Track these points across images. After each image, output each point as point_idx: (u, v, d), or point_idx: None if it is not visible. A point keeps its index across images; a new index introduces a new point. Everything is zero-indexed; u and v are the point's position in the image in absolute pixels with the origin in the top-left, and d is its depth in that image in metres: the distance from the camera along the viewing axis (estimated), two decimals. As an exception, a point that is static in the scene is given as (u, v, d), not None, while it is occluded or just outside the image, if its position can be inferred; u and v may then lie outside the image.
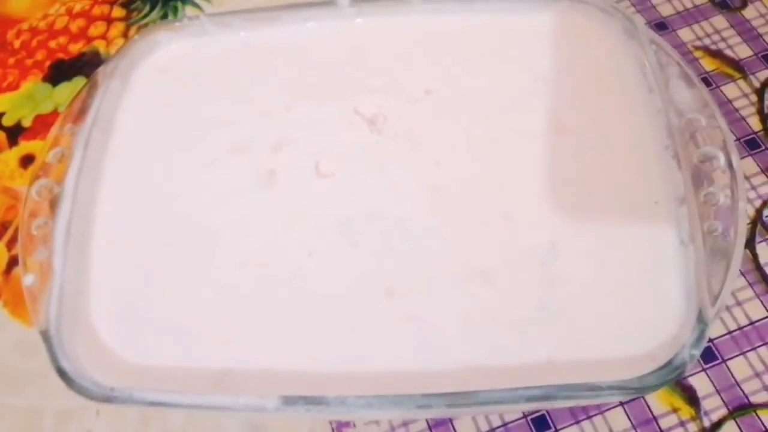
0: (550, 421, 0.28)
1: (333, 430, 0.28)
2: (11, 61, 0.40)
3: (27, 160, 0.36)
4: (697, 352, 0.22)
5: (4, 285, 0.33)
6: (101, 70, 0.30)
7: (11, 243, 0.34)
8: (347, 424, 0.29)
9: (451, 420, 0.28)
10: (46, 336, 0.24)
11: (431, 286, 0.25)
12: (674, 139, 0.26)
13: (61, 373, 0.23)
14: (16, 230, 0.34)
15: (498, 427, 0.28)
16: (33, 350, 0.31)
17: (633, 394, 0.22)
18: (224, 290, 0.26)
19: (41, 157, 0.28)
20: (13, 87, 0.39)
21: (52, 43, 0.40)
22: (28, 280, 0.25)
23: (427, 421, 0.28)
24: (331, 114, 0.29)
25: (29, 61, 0.39)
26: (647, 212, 0.25)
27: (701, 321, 0.22)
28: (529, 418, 0.28)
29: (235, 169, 0.28)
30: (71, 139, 0.28)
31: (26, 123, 0.37)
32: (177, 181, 0.28)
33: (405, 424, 0.28)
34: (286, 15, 0.31)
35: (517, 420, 0.28)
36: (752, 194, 0.31)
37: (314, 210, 0.27)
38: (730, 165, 0.25)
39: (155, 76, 0.31)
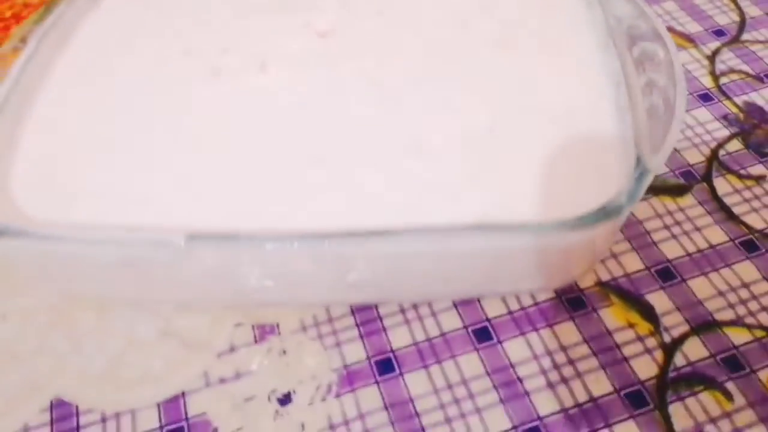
0: (492, 332, 0.25)
1: (255, 336, 0.26)
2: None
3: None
4: (635, 195, 0.20)
5: (-62, 200, 0.32)
6: (70, -11, 0.31)
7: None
8: (272, 330, 0.26)
9: (385, 329, 0.25)
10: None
11: (360, 158, 0.24)
12: (613, 38, 0.26)
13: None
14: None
15: (436, 337, 0.25)
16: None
17: (566, 230, 0.20)
18: (152, 163, 0.25)
19: (-2, 46, 0.29)
20: (-5, 44, 0.40)
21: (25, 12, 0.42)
22: (-50, 134, 0.25)
23: (356, 322, 0.26)
24: (283, 25, 0.29)
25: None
26: (586, 96, 0.25)
27: (640, 163, 0.21)
28: (470, 328, 0.25)
29: (181, 68, 0.28)
30: (29, 33, 0.29)
31: None
32: (123, 76, 0.28)
33: (331, 321, 0.26)
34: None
35: (456, 330, 0.25)
36: (707, 137, 0.31)
37: (254, 98, 0.27)
38: (668, 58, 0.25)
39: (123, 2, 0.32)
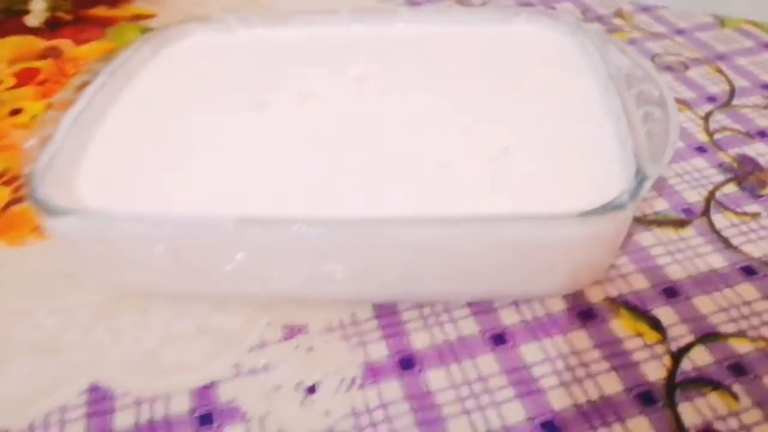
0: (507, 336, 0.27)
1: (285, 335, 0.27)
2: (63, 80, 0.47)
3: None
4: (636, 195, 0.23)
5: (-2, 216, 0.35)
6: (137, 41, 0.36)
7: (16, 189, 0.37)
8: (300, 330, 0.27)
9: (406, 332, 0.27)
10: (30, 177, 0.26)
11: (388, 170, 0.27)
12: (614, 81, 0.30)
13: (34, 199, 0.25)
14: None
15: (454, 340, 0.27)
16: (3, 264, 0.32)
17: (573, 223, 0.22)
18: (203, 171, 0.28)
19: (72, 81, 0.33)
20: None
21: (102, 72, 0.47)
22: (29, 143, 0.28)
23: (379, 324, 0.27)
24: (323, 72, 0.34)
25: (78, 81, 0.46)
26: (590, 126, 0.28)
27: (640, 172, 0.24)
28: (487, 334, 0.27)
29: (231, 101, 0.32)
30: (99, 70, 0.33)
31: (61, 117, 0.43)
32: (180, 106, 0.32)
33: (356, 323, 0.27)
34: (295, 18, 0.38)
35: (473, 335, 0.27)
36: (705, 181, 0.34)
37: (295, 125, 0.30)
38: (662, 96, 0.28)
39: (182, 51, 0.37)
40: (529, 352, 0.26)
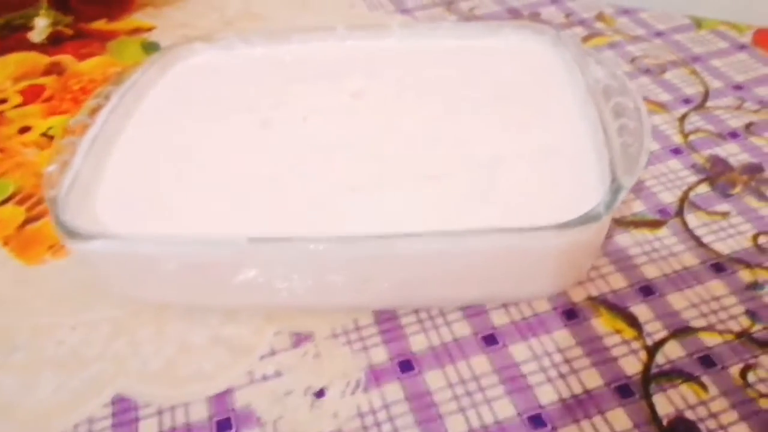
0: (498, 337, 0.29)
1: (293, 342, 0.30)
2: (68, 96, 0.48)
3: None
4: (612, 205, 0.25)
5: (15, 235, 0.37)
6: (144, 62, 0.38)
7: (30, 208, 0.39)
8: (307, 337, 0.30)
9: (405, 336, 0.29)
10: (53, 201, 0.28)
11: (387, 184, 0.29)
12: (592, 94, 0.32)
13: (59, 223, 0.27)
14: (38, 200, 0.39)
15: (449, 342, 0.29)
16: (24, 282, 0.34)
17: (556, 233, 0.25)
18: (214, 191, 0.30)
19: (85, 104, 0.34)
20: (65, 112, 0.47)
21: (104, 88, 0.49)
22: (49, 168, 0.30)
23: (380, 330, 0.30)
24: (322, 89, 0.36)
25: (83, 97, 0.48)
26: (571, 137, 0.30)
27: (615, 183, 0.26)
28: (479, 335, 0.29)
29: (236, 120, 0.34)
30: (111, 93, 0.35)
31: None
32: (189, 126, 0.34)
33: (358, 329, 0.30)
34: (295, 35, 0.40)
35: (467, 337, 0.29)
36: (679, 182, 0.36)
37: (299, 141, 0.32)
38: (636, 107, 0.30)
39: (188, 69, 0.39)
40: (518, 351, 0.28)
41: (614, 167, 0.27)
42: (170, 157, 0.32)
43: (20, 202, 0.39)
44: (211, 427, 0.27)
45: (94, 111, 0.34)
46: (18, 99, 0.49)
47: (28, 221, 0.38)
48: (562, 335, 0.29)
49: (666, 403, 0.26)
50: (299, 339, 0.30)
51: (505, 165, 0.30)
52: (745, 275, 0.31)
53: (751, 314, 0.29)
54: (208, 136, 0.33)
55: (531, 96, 0.34)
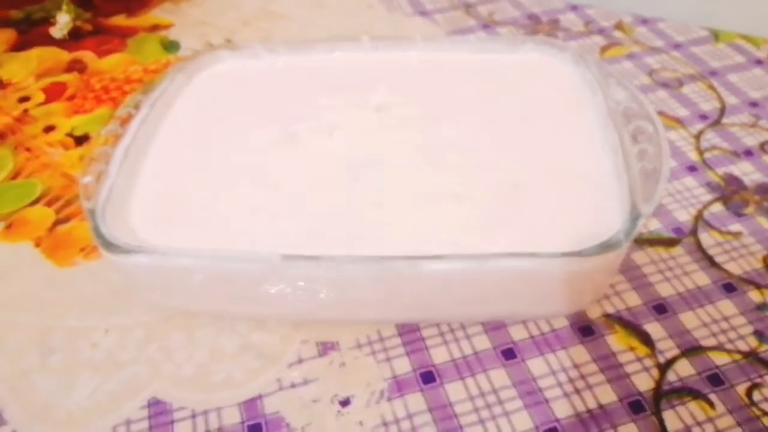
0: (516, 351, 0.30)
1: (319, 351, 0.31)
2: (90, 95, 0.49)
3: (88, 156, 0.43)
4: (631, 233, 0.26)
5: (47, 237, 0.38)
6: (171, 69, 0.39)
7: (60, 209, 0.40)
8: (333, 347, 0.31)
9: (427, 348, 0.31)
10: (92, 213, 0.29)
11: (412, 203, 0.30)
12: (612, 117, 0.33)
13: (99, 236, 0.28)
14: (67, 201, 0.41)
15: (470, 355, 0.30)
16: (57, 284, 0.35)
17: (576, 257, 0.26)
18: (244, 204, 0.31)
19: (115, 112, 0.35)
20: (88, 111, 0.48)
21: (126, 87, 0.50)
22: (86, 179, 0.31)
23: (402, 341, 0.31)
24: (346, 101, 0.36)
25: (105, 96, 0.49)
26: (591, 161, 0.31)
27: (635, 208, 0.27)
28: (498, 349, 0.30)
29: (265, 132, 0.35)
30: (140, 103, 0.36)
31: (93, 134, 0.45)
32: (217, 136, 0.35)
33: (382, 340, 0.31)
34: (319, 45, 0.40)
35: (486, 350, 0.30)
36: (694, 201, 0.37)
37: (326, 157, 0.33)
38: (656, 131, 0.31)
39: (214, 78, 0.39)
40: (536, 365, 0.30)
41: (633, 193, 0.28)
42: (200, 168, 0.33)
43: (49, 204, 0.40)
44: (243, 431, 0.28)
45: (125, 121, 0.35)
46: (41, 97, 0.49)
47: (58, 222, 0.39)
48: (578, 351, 0.30)
49: (675, 419, 0.28)
50: (325, 348, 0.31)
51: (526, 188, 0.31)
52: (755, 296, 0.32)
53: (759, 334, 0.30)
54: (236, 148, 0.34)
55: (553, 117, 0.35)
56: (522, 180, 0.31)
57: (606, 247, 0.26)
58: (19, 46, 0.55)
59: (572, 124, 0.34)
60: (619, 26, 0.52)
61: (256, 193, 0.32)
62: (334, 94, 0.37)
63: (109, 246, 0.28)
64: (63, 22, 0.54)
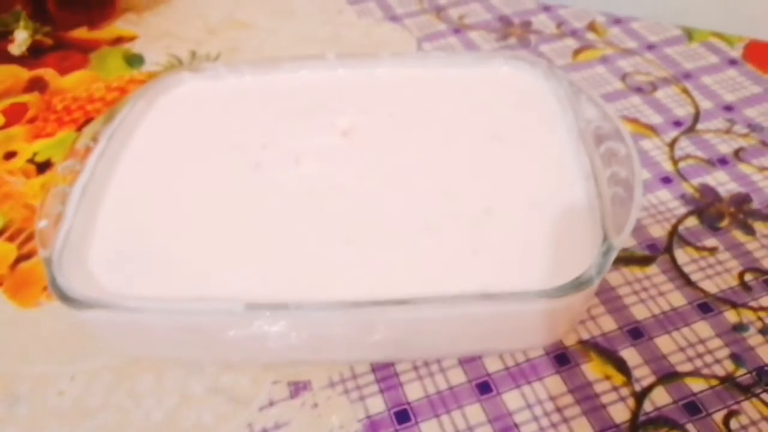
0: (492, 385, 0.30)
1: (291, 392, 0.30)
2: (52, 117, 0.48)
3: (50, 185, 0.42)
4: (603, 268, 0.26)
5: (9, 275, 0.37)
6: (132, 94, 0.37)
7: (22, 244, 0.39)
8: (305, 386, 0.30)
9: (401, 384, 0.30)
10: (48, 262, 0.28)
11: (382, 237, 0.29)
12: (584, 138, 0.32)
13: (56, 288, 0.27)
14: (29, 234, 0.39)
15: (444, 390, 0.30)
16: (20, 327, 0.34)
17: (549, 297, 0.25)
18: (208, 243, 0.30)
19: (72, 144, 0.34)
20: (50, 135, 0.46)
21: (89, 107, 0.48)
22: (41, 224, 0.30)
23: (376, 378, 0.30)
24: (313, 126, 0.35)
25: (67, 118, 0.47)
26: (562, 187, 0.31)
27: (606, 241, 0.26)
28: (473, 382, 0.30)
29: (228, 162, 0.34)
30: (98, 134, 0.34)
31: (55, 160, 0.44)
32: (179, 168, 0.34)
33: (355, 378, 0.30)
34: (284, 64, 0.39)
35: (461, 384, 0.30)
36: (669, 215, 0.37)
37: (290, 187, 0.32)
38: (628, 154, 0.31)
39: (175, 103, 0.38)
40: (511, 399, 0.29)
41: (605, 222, 0.27)
42: (161, 206, 0.32)
43: (11, 239, 0.39)
44: (214, 483, 0.28)
45: (84, 156, 0.33)
46: (1, 120, 0.48)
47: (20, 259, 0.38)
48: (554, 382, 0.30)
49: (653, 452, 0.27)
50: (297, 388, 0.30)
51: (496, 217, 0.30)
52: (731, 316, 0.32)
53: (735, 358, 0.30)
54: (199, 182, 0.33)
55: (524, 138, 0.34)
56: (493, 206, 0.30)
57: (577, 285, 0.25)
58: (-23, 64, 0.54)
59: (544, 146, 0.33)
60: (591, 27, 0.51)
61: (220, 232, 0.30)
62: (299, 118, 0.36)
63: (67, 299, 0.27)
64: (21, 39, 0.52)
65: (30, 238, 0.39)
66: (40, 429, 0.30)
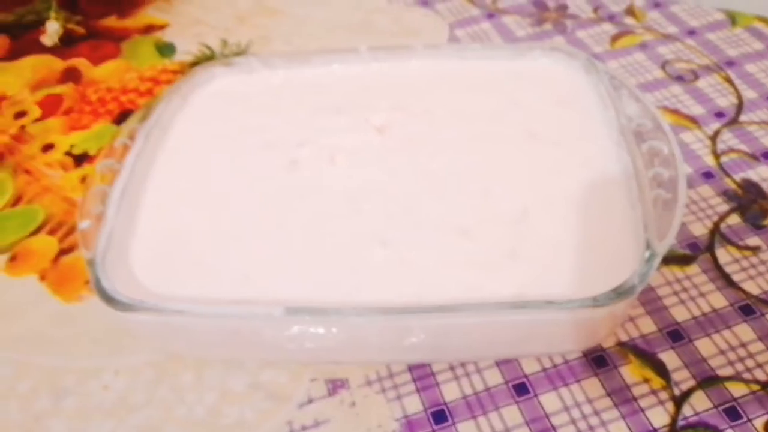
0: (529, 387, 0.30)
1: (329, 390, 0.31)
2: (87, 109, 0.48)
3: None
4: (646, 276, 0.25)
5: (51, 269, 0.38)
6: (166, 91, 0.38)
7: (63, 238, 0.39)
8: (342, 384, 0.31)
9: (438, 384, 0.30)
10: (92, 263, 0.28)
11: (417, 239, 0.29)
12: (625, 136, 0.31)
13: (101, 290, 0.27)
14: (69, 228, 0.40)
15: (481, 391, 0.30)
16: (65, 321, 0.35)
17: (590, 307, 0.25)
18: (246, 243, 0.30)
19: (110, 143, 0.34)
20: (85, 127, 0.47)
21: (123, 98, 0.48)
22: (83, 224, 0.30)
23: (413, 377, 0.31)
24: (347, 123, 0.35)
25: (102, 110, 0.48)
26: (602, 187, 0.30)
27: (649, 248, 0.26)
28: (510, 384, 0.30)
29: (265, 160, 0.34)
30: (135, 132, 0.35)
31: (91, 152, 0.45)
32: (216, 166, 0.34)
33: (392, 377, 0.31)
34: (316, 58, 0.39)
35: (498, 385, 0.30)
36: (710, 212, 0.36)
37: (327, 187, 0.32)
38: (672, 153, 0.30)
39: (209, 98, 0.38)
40: (548, 401, 0.29)
41: (647, 227, 0.27)
42: (198, 206, 0.32)
43: (52, 232, 0.40)
44: (256, 479, 0.28)
45: (122, 155, 0.34)
46: (37, 112, 0.48)
47: (62, 252, 0.39)
48: (592, 384, 0.30)
49: (692, 458, 0.27)
50: (335, 386, 0.31)
51: (533, 219, 0.30)
52: (774, 318, 0.31)
53: (778, 362, 0.30)
54: (236, 181, 0.33)
55: (563, 135, 0.33)
56: (530, 207, 0.30)
57: (619, 294, 0.25)
58: (12, 54, 0.54)
59: (583, 143, 0.32)
60: (630, 11, 0.49)
61: (258, 232, 0.31)
62: (333, 114, 0.36)
63: (112, 301, 0.27)
64: (52, 30, 0.53)
65: (70, 231, 0.40)
66: (86, 423, 0.31)
